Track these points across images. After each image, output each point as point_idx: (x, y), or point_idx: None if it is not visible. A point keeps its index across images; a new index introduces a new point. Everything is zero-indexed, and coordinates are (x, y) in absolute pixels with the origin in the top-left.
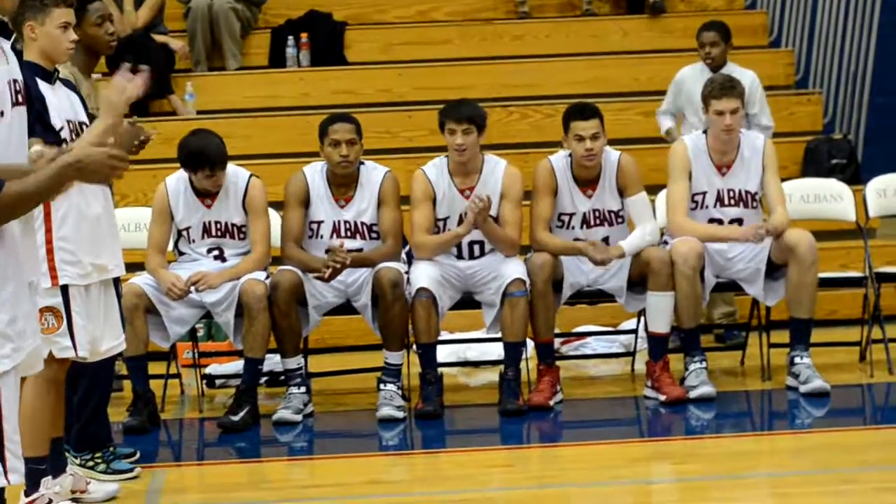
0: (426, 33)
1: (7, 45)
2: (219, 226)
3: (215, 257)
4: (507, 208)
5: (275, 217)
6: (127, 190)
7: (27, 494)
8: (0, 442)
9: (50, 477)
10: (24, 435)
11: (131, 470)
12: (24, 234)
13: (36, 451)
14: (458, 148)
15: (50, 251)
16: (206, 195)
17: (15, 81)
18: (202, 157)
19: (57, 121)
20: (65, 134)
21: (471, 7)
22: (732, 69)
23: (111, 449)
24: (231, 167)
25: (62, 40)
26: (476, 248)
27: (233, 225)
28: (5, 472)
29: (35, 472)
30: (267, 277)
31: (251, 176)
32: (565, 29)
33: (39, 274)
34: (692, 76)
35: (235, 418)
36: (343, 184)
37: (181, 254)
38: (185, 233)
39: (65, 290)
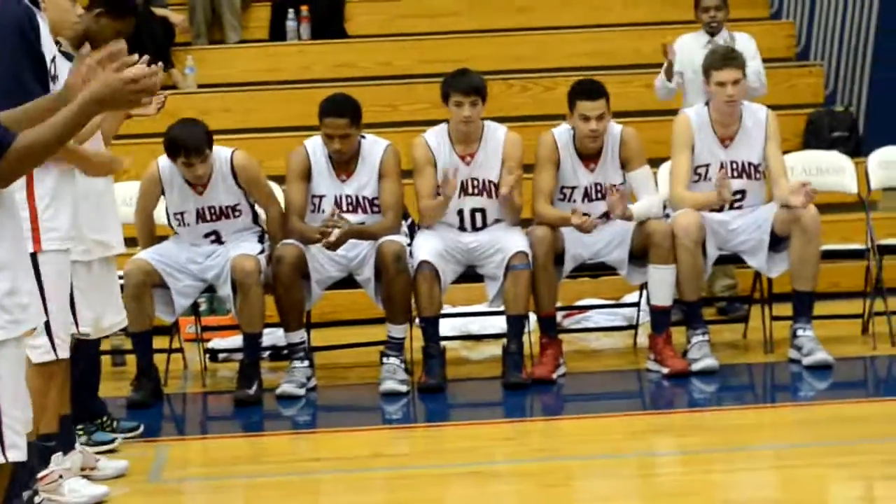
0: (428, 5)
1: None
2: (213, 210)
3: (212, 241)
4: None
5: (276, 190)
6: None
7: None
8: None
9: (60, 454)
10: (33, 412)
11: (112, 441)
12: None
13: (45, 429)
14: (466, 119)
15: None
16: (195, 183)
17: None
18: (178, 145)
19: None
20: None
21: None
22: (725, 35)
23: (102, 421)
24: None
25: (71, 13)
26: (478, 216)
27: (227, 207)
28: (3, 450)
29: (45, 450)
30: (261, 252)
31: (233, 152)
32: (568, 1)
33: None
34: (690, 43)
35: (251, 391)
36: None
37: (177, 232)
38: (179, 216)
39: None
